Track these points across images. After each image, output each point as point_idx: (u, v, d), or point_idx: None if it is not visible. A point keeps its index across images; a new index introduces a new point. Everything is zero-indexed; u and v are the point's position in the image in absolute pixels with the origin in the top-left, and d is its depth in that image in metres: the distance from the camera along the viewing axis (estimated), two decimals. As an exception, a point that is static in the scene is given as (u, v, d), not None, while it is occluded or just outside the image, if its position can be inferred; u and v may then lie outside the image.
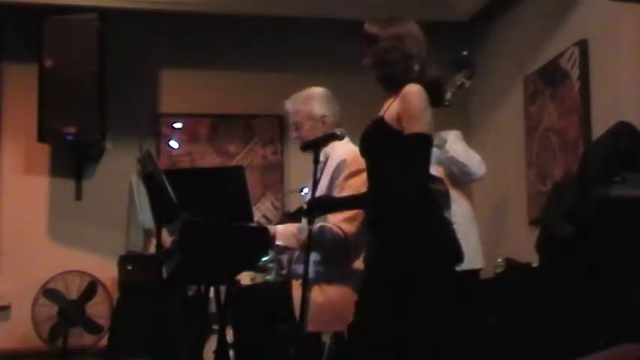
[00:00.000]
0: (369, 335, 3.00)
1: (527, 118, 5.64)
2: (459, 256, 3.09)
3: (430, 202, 3.02)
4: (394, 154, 3.04)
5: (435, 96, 3.11)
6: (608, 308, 3.57)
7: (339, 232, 3.54)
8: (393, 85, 3.15)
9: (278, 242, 3.56)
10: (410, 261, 2.92)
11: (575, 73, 5.03)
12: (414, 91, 3.04)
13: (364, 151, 3.23)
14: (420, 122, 3.01)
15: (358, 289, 3.21)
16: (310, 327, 3.39)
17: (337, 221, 3.55)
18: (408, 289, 2.94)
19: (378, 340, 2.97)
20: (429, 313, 2.98)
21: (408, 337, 2.96)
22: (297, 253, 3.69)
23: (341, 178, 3.60)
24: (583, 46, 4.97)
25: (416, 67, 3.12)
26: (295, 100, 3.85)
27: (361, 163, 3.45)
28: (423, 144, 3.02)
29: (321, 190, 3.64)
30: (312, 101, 3.80)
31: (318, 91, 3.86)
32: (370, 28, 3.19)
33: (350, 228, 3.54)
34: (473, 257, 4.77)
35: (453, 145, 4.87)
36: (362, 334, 3.04)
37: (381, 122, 3.09)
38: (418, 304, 2.96)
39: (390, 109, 3.08)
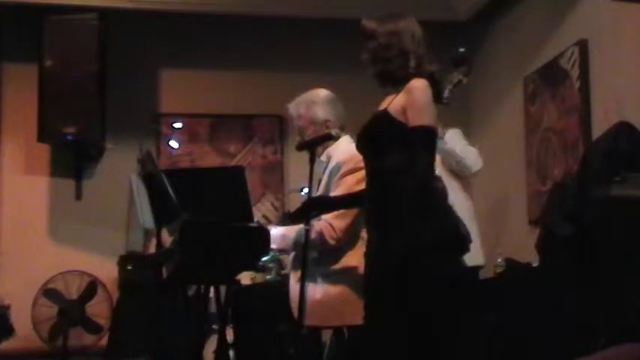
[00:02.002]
0: (376, 329, 3.01)
1: (527, 118, 5.65)
2: (464, 245, 3.08)
3: (434, 194, 3.03)
4: (399, 147, 3.04)
5: (433, 91, 3.11)
6: (608, 308, 3.57)
7: (325, 229, 3.54)
8: (389, 81, 3.16)
9: (272, 246, 3.56)
10: (415, 253, 2.93)
11: (575, 73, 5.03)
12: (419, 85, 3.05)
13: (364, 146, 3.22)
14: (426, 115, 3.02)
15: (361, 284, 3.21)
16: (308, 321, 3.39)
17: (328, 217, 3.55)
18: (412, 281, 2.95)
19: (386, 334, 2.97)
20: (431, 307, 2.99)
21: (412, 331, 2.97)
22: (293, 253, 3.70)
23: (336, 177, 3.61)
24: (583, 46, 4.97)
25: (412, 63, 3.13)
26: (298, 105, 3.84)
27: (357, 161, 3.46)
28: (428, 137, 3.03)
29: (322, 190, 3.66)
30: (315, 106, 3.79)
31: (321, 95, 3.84)
32: (368, 24, 3.20)
33: (340, 223, 3.54)
34: (474, 254, 4.77)
35: (453, 138, 4.88)
36: (370, 329, 3.05)
37: (385, 115, 3.08)
38: (422, 297, 2.97)
39: (395, 102, 3.08)
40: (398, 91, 3.12)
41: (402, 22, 3.18)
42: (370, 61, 3.18)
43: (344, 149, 3.68)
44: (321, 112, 3.77)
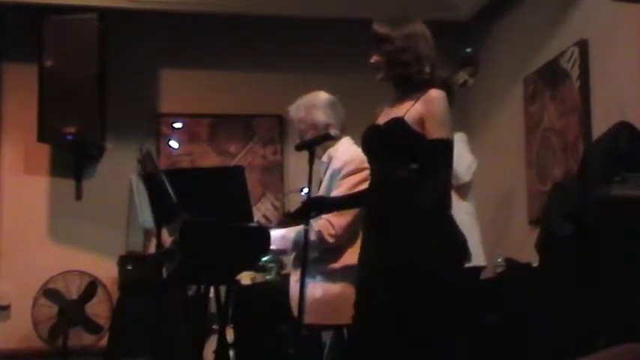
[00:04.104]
0: (372, 332, 3.01)
1: (527, 118, 5.64)
2: (466, 260, 3.11)
3: (447, 207, 3.05)
4: (413, 156, 3.04)
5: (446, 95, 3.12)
6: (608, 308, 3.57)
7: (323, 227, 3.54)
8: (406, 86, 3.14)
9: (272, 247, 3.57)
10: (422, 261, 2.94)
11: (575, 73, 5.03)
12: (439, 96, 3.06)
13: (373, 148, 3.21)
14: (445, 128, 3.04)
15: (356, 286, 3.21)
16: (307, 319, 3.39)
17: (328, 216, 3.56)
18: (415, 287, 2.95)
19: (381, 337, 2.97)
20: (432, 313, 2.99)
21: (410, 333, 2.97)
22: (294, 254, 3.71)
23: (338, 177, 3.62)
24: (583, 46, 4.97)
25: (427, 68, 3.13)
26: (298, 108, 3.83)
27: (359, 162, 3.48)
28: (446, 150, 3.04)
29: (323, 191, 3.66)
30: (316, 110, 3.78)
31: (321, 98, 3.84)
32: (381, 28, 3.17)
33: (339, 221, 3.55)
34: (476, 254, 4.77)
35: None
36: (364, 331, 3.05)
37: (402, 123, 3.07)
38: (424, 302, 2.97)
39: (413, 111, 3.06)
40: (414, 98, 3.10)
41: (416, 26, 3.18)
42: (386, 64, 3.16)
43: (345, 150, 3.68)
44: (322, 116, 3.76)
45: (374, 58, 3.19)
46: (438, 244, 2.98)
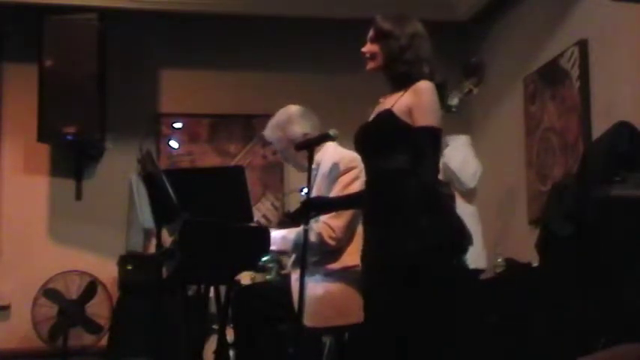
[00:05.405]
0: (374, 327, 3.01)
1: (527, 118, 5.65)
2: (467, 244, 3.10)
3: (438, 194, 3.04)
4: (403, 147, 3.04)
5: (439, 98, 3.13)
6: (608, 308, 3.57)
7: (324, 230, 3.54)
8: (402, 83, 3.15)
9: (272, 247, 3.57)
10: (416, 252, 2.93)
11: (575, 73, 5.04)
12: (426, 86, 3.07)
13: (364, 144, 3.21)
14: (432, 116, 3.04)
15: (361, 283, 3.21)
16: (308, 322, 3.39)
17: (325, 218, 3.56)
18: (413, 281, 2.95)
19: (383, 332, 2.98)
20: (432, 306, 2.99)
21: (411, 329, 2.97)
22: (294, 256, 3.71)
23: (331, 178, 3.62)
24: (583, 46, 4.97)
25: (426, 69, 3.14)
26: (273, 130, 3.86)
27: (349, 161, 3.51)
28: (433, 137, 3.04)
29: (316, 194, 3.67)
30: (291, 124, 3.81)
31: (292, 111, 3.86)
32: (384, 23, 3.19)
33: (338, 222, 3.56)
34: (477, 257, 4.78)
35: (453, 151, 4.90)
36: (368, 326, 3.05)
37: (389, 115, 3.08)
38: (423, 296, 2.97)
39: (400, 102, 3.08)
40: (403, 90, 3.11)
41: (417, 25, 3.20)
42: (386, 59, 3.17)
43: (333, 152, 3.70)
44: (298, 128, 3.79)
45: (367, 48, 3.21)
46: (433, 238, 2.97)
